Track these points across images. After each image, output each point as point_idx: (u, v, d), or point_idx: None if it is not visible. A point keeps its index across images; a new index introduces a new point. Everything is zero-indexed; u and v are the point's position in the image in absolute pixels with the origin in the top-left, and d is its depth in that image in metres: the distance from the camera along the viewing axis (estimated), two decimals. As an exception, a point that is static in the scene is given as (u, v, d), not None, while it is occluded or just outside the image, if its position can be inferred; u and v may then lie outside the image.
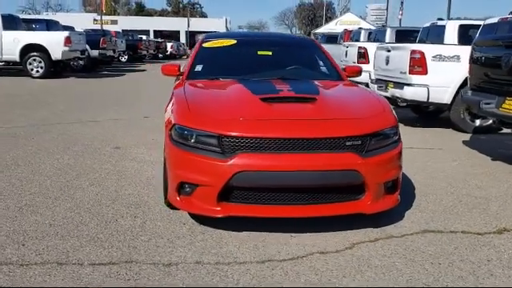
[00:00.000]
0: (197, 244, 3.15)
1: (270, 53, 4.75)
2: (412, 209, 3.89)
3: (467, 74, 6.96)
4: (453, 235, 3.39)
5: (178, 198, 3.33)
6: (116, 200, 3.98)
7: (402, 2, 33.49)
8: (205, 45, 4.78)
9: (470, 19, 17.63)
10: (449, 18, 22.07)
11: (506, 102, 4.97)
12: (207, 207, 3.23)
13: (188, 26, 52.92)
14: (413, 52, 7.24)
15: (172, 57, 37.85)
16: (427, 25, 11.92)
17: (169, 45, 37.44)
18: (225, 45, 4.77)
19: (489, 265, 2.94)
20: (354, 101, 3.78)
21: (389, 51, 8.08)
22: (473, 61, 5.61)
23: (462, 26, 10.24)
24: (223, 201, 3.21)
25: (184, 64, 5.13)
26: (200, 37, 5.21)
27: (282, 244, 3.17)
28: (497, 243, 3.26)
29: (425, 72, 7.18)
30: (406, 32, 13.69)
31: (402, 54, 7.53)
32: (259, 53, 4.72)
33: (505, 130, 7.24)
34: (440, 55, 7.17)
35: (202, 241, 3.20)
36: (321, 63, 4.76)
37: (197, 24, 56.93)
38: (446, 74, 7.17)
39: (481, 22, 9.96)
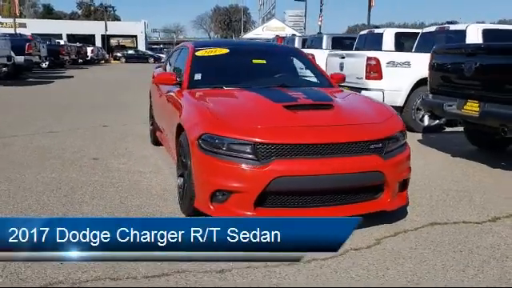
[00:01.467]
0: (237, 249, 3.23)
1: (265, 61, 4.91)
2: (411, 204, 4.24)
3: (417, 78, 7.68)
4: (457, 225, 3.77)
5: (211, 206, 3.38)
6: (129, 212, 3.92)
7: (321, 9, 34.97)
8: (198, 53, 4.83)
9: (377, 26, 19.02)
10: (368, 25, 23.52)
11: (468, 103, 5.53)
12: (243, 213, 3.31)
13: (106, 29, 51.04)
14: (369, 59, 7.75)
15: (92, 62, 36.37)
16: (364, 32, 12.72)
17: (89, 49, 35.94)
18: (218, 54, 4.85)
19: (500, 249, 3.34)
20: (365, 106, 4.06)
21: (343, 58, 8.55)
22: (433, 66, 6.15)
23: (397, 34, 11.13)
24: (258, 206, 3.32)
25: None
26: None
27: (315, 244, 3.34)
28: (497, 230, 3.69)
29: (380, 77, 7.71)
30: (341, 39, 14.50)
31: (358, 61, 8.02)
32: (254, 61, 4.86)
33: (448, 129, 8.01)
34: (393, 61, 7.74)
35: (240, 246, 3.28)
36: (311, 71, 4.99)
37: (113, 27, 55.00)
38: (398, 78, 7.76)
39: (417, 30, 10.90)
